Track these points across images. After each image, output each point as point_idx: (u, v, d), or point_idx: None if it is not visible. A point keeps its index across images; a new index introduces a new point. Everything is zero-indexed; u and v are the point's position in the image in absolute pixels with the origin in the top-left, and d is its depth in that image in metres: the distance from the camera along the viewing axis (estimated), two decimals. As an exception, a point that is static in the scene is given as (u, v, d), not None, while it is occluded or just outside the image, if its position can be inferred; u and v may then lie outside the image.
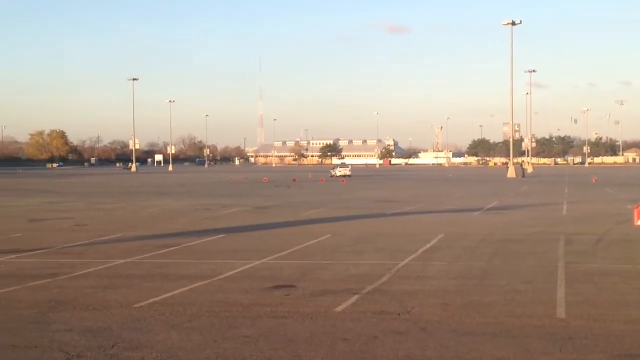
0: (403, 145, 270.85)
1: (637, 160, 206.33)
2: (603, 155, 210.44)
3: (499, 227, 22.19)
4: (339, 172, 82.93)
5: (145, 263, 14.98)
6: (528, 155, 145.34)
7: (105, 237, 19.76)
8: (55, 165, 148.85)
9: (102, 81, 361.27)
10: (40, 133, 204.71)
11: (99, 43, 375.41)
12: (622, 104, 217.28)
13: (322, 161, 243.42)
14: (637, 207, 23.02)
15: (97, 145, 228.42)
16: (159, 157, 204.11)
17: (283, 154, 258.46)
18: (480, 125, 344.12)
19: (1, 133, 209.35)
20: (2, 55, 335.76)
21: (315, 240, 18.63)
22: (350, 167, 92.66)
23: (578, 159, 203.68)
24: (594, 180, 64.23)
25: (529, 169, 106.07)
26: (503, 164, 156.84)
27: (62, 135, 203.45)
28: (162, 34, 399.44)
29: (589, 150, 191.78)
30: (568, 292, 11.32)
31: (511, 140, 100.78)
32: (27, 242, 18.82)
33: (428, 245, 17.34)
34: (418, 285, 12.08)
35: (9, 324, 9.44)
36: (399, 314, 9.85)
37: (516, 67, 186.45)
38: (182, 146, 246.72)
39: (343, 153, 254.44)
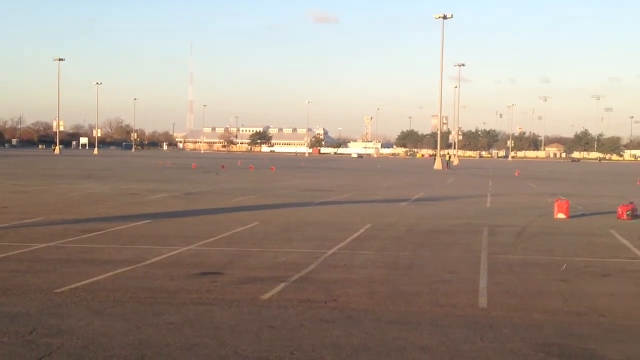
0: (333, 134, 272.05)
1: (558, 155, 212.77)
2: (526, 150, 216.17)
3: (426, 217, 22.52)
4: (354, 155, 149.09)
5: (67, 247, 14.61)
6: (455, 148, 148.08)
7: (27, 221, 19.20)
8: None
9: (25, 61, 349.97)
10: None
11: (21, 21, 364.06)
12: (545, 100, 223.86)
13: (251, 149, 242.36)
14: (557, 200, 23.74)
15: (19, 127, 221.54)
16: (84, 140, 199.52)
17: (212, 140, 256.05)
18: (409, 117, 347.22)
19: None
20: None
21: (243, 228, 18.54)
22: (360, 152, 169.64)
23: (502, 153, 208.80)
24: (517, 174, 65.91)
25: (455, 162, 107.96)
26: (430, 155, 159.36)
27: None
28: (89, 13, 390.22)
29: (512, 145, 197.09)
30: (490, 282, 11.58)
31: (439, 132, 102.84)
32: (-57, 224, 18.13)
33: (356, 235, 17.46)
34: (345, 274, 12.15)
35: None
36: (325, 302, 9.89)
37: (445, 61, 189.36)
38: (109, 129, 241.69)
39: (273, 141, 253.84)
